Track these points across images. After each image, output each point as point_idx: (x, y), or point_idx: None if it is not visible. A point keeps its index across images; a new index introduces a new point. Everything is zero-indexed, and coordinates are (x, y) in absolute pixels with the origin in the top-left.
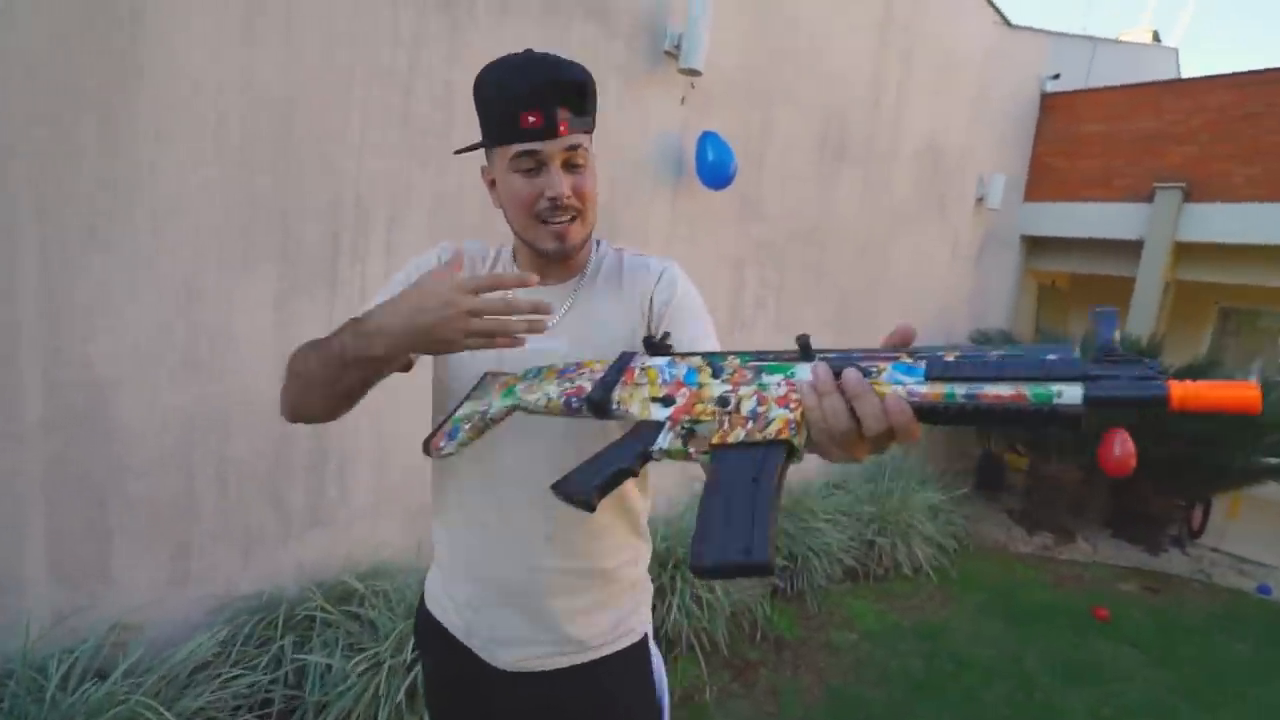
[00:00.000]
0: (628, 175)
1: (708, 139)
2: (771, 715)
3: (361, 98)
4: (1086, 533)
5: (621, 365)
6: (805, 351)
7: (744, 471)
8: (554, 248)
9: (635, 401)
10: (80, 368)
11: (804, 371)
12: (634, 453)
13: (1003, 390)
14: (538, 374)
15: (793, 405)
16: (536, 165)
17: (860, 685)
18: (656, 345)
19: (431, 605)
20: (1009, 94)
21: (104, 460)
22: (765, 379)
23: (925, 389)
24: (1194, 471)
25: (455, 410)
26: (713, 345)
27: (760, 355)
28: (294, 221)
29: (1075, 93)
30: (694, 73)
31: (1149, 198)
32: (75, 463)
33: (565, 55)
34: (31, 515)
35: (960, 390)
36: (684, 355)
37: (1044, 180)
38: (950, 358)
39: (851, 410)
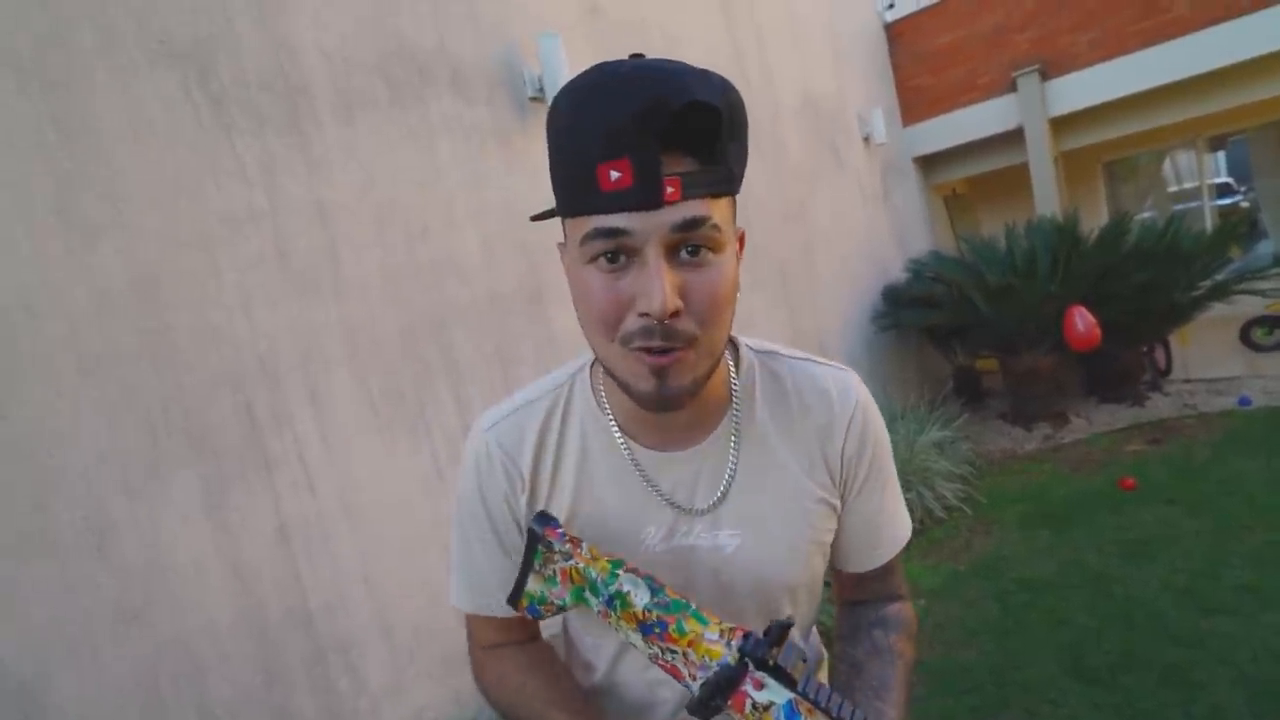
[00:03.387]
0: (538, 240)
1: None
2: None
3: (229, 254)
4: (1076, 409)
5: (725, 686)
6: None
7: None
8: (647, 390)
9: None
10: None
11: None
12: None
13: None
14: (610, 593)
15: None
16: (621, 253)
17: (951, 652)
18: (771, 665)
19: None
20: (857, 33)
21: None
22: None
23: None
24: (1147, 318)
25: (524, 579)
26: (900, 533)
27: None
28: (196, 412)
29: (914, 14)
30: None
31: (1013, 88)
32: None
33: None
34: None
35: None
36: (807, 702)
37: (915, 101)
38: None
39: None
